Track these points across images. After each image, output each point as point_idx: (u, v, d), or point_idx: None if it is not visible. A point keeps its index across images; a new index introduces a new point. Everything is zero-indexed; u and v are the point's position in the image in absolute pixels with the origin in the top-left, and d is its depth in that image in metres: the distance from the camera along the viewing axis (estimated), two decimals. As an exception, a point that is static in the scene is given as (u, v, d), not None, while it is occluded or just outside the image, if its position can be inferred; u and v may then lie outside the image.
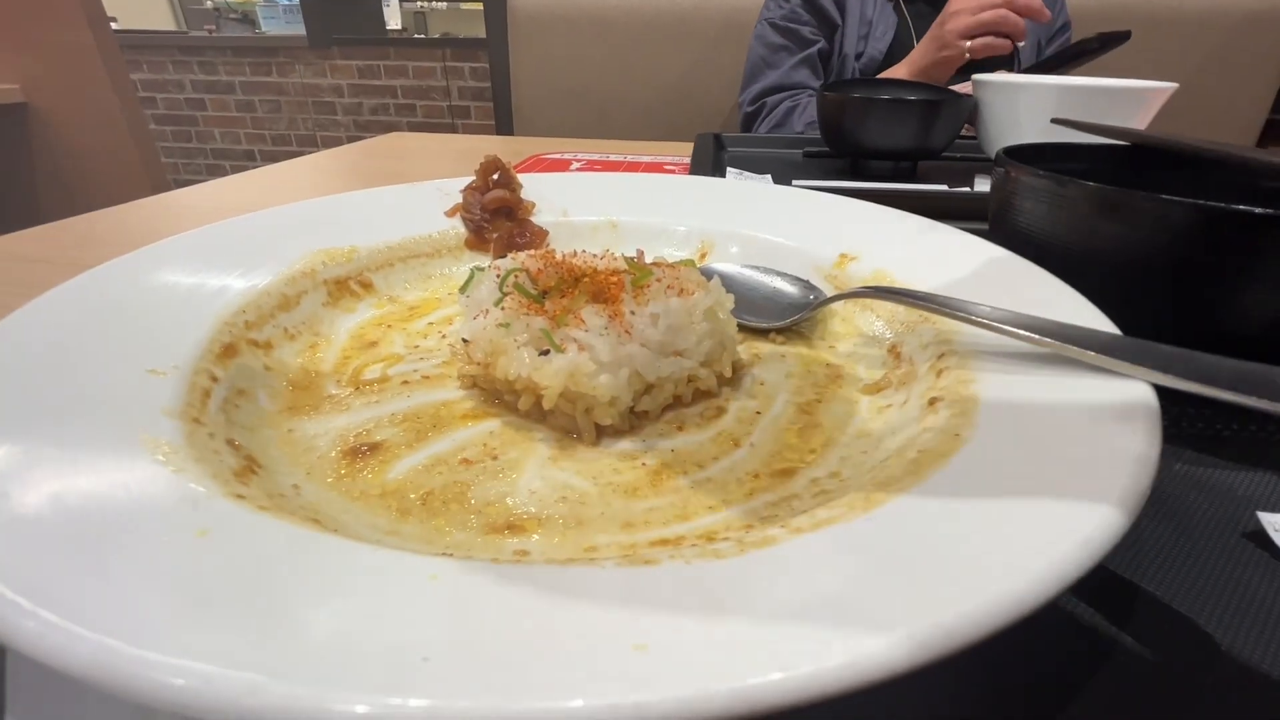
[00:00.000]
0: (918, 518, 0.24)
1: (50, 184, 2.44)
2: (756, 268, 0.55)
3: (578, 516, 0.32)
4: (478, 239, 0.61)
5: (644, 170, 1.13)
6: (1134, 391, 0.29)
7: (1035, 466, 0.26)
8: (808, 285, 0.52)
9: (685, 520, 0.31)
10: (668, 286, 0.42)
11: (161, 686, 0.15)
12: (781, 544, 0.23)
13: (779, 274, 0.54)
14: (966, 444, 0.29)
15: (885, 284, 0.48)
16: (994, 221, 0.53)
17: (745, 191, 0.68)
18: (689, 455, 0.36)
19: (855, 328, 0.48)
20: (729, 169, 1.05)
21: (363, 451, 0.36)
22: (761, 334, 0.49)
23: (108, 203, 0.90)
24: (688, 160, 1.16)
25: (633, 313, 0.40)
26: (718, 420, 0.39)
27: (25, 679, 0.20)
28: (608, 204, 0.65)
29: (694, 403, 0.41)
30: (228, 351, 0.40)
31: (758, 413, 0.40)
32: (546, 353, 0.38)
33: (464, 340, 0.41)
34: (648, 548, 0.29)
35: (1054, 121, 0.67)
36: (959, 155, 1.10)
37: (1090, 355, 0.31)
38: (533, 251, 0.47)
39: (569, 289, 0.42)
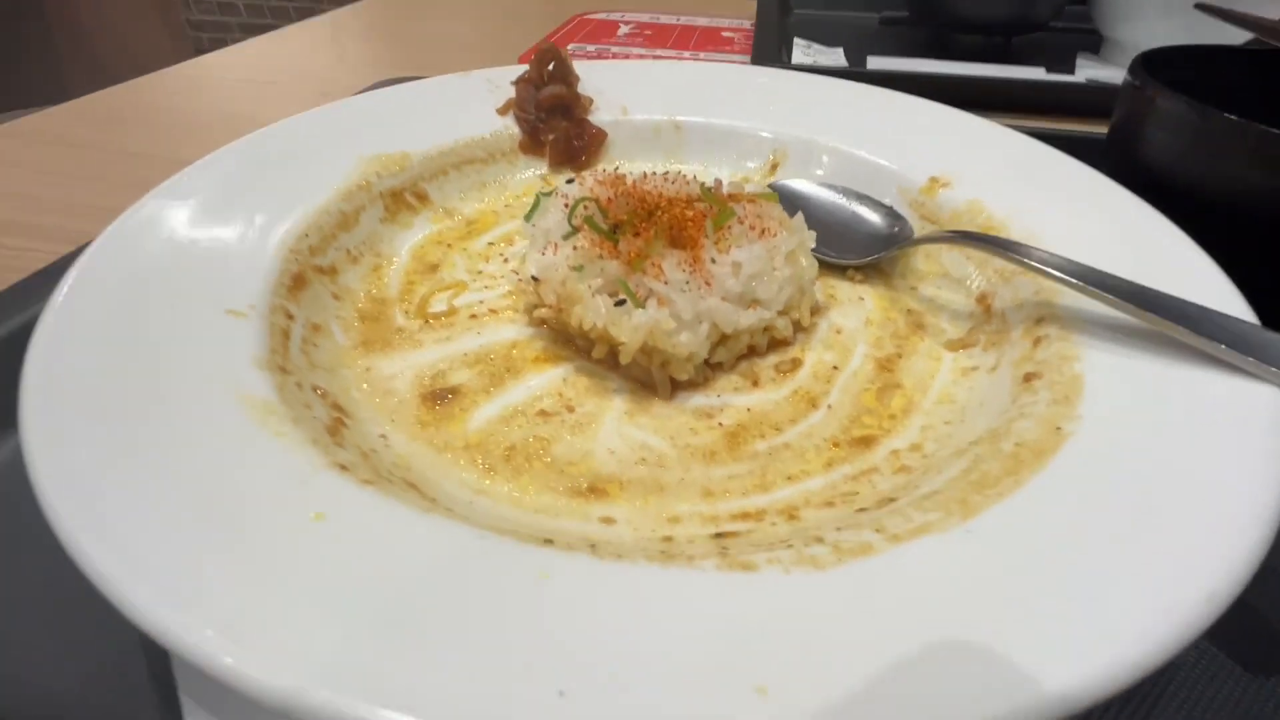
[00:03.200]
0: (1021, 534, 0.24)
1: (76, 53, 2.27)
2: (834, 188, 0.51)
3: (658, 481, 0.32)
4: (532, 141, 0.57)
5: (700, 33, 1.02)
6: (1266, 398, 0.27)
7: (1150, 479, 0.25)
8: (891, 214, 0.48)
9: (765, 491, 0.32)
10: (749, 227, 0.39)
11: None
12: (879, 554, 0.24)
13: (859, 197, 0.50)
14: (1070, 440, 0.28)
15: (981, 218, 0.44)
16: (1113, 144, 0.48)
17: (822, 92, 0.61)
18: (765, 416, 0.36)
19: (941, 267, 0.45)
20: (796, 39, 0.94)
21: (442, 397, 0.37)
22: (839, 270, 0.46)
23: (136, 72, 0.85)
24: (748, 25, 1.04)
25: (714, 260, 0.37)
26: (793, 375, 0.38)
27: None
28: (670, 101, 0.59)
29: (768, 352, 0.40)
30: (297, 283, 0.40)
31: (835, 368, 0.39)
32: (623, 301, 0.36)
33: (534, 278, 0.40)
34: (729, 521, 0.30)
35: (1197, 7, 0.58)
36: (1061, 26, 0.96)
37: (1222, 350, 0.28)
38: (600, 175, 0.43)
39: (643, 224, 0.39)
